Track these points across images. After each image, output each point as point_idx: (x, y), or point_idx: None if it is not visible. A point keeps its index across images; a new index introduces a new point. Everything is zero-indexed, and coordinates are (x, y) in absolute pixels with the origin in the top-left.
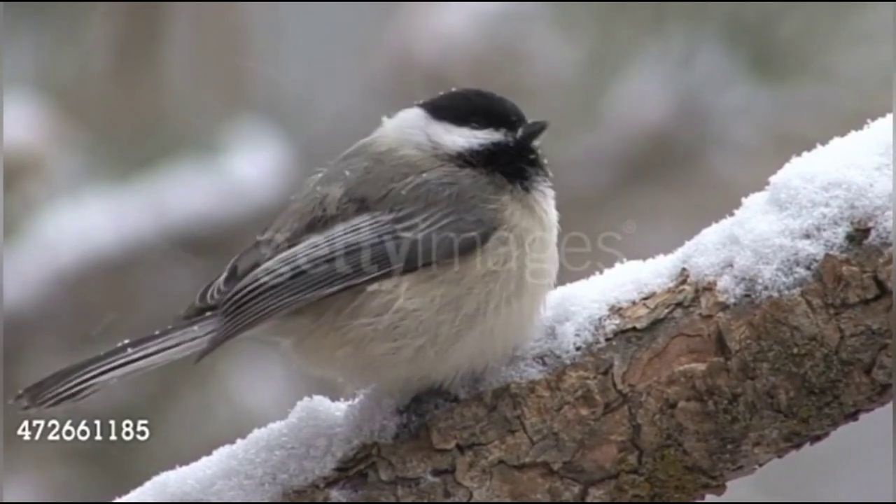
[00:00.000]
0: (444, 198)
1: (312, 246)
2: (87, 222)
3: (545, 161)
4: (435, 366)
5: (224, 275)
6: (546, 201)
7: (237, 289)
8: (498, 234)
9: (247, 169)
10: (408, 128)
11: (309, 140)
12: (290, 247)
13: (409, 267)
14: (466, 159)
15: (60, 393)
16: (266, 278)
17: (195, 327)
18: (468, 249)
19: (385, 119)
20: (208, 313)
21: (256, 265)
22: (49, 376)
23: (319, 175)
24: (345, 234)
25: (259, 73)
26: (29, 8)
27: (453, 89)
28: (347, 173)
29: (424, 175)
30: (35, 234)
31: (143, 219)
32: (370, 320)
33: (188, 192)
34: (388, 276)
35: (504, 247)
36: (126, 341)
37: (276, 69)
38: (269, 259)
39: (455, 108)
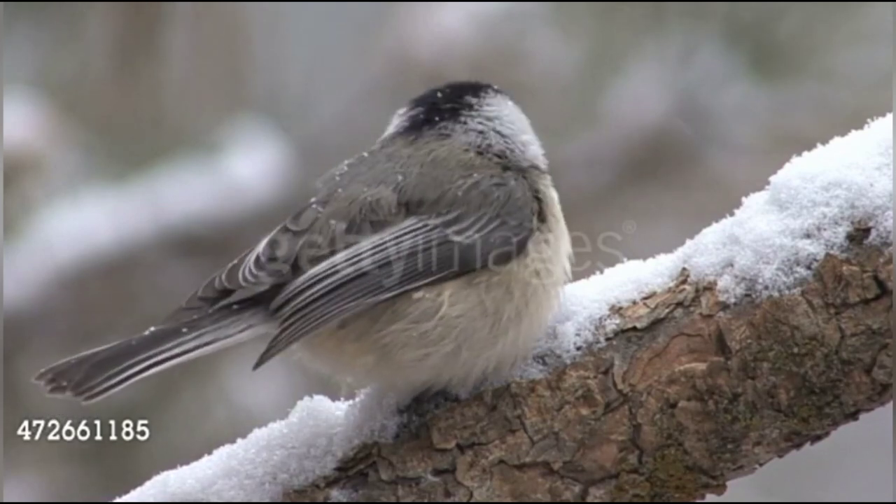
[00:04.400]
0: (494, 199)
1: (371, 249)
2: (85, 222)
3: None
4: (460, 371)
5: (253, 257)
6: (556, 199)
7: (295, 290)
8: (535, 237)
9: (245, 168)
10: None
11: (308, 140)
12: (334, 251)
13: (456, 272)
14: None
15: (106, 383)
16: (327, 282)
17: (227, 322)
18: (512, 254)
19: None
20: (233, 302)
21: (297, 255)
22: (74, 362)
23: (345, 167)
24: (402, 237)
25: (258, 73)
26: (28, 7)
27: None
28: (400, 178)
29: (476, 176)
30: (34, 233)
31: (142, 218)
32: (405, 326)
33: (187, 192)
34: (433, 283)
35: (539, 250)
36: (154, 330)
37: (276, 69)
38: (321, 260)
39: None
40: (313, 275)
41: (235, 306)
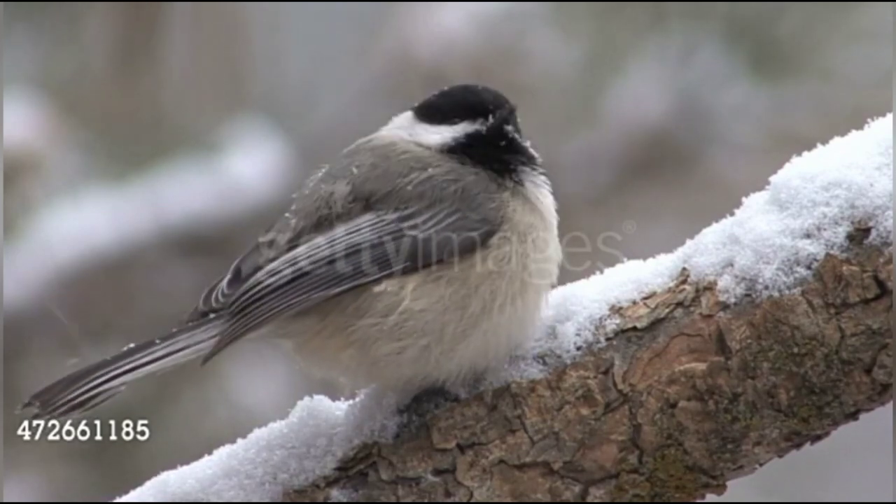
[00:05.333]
0: (449, 194)
1: (317, 246)
2: (85, 222)
3: (527, 145)
4: (439, 365)
5: (227, 277)
6: (540, 191)
7: (242, 290)
8: (501, 233)
9: (245, 168)
10: (396, 129)
11: (308, 139)
12: (293, 247)
13: (415, 266)
14: (466, 156)
15: (71, 400)
16: (271, 280)
17: (200, 330)
18: (472, 248)
19: (383, 126)
20: (212, 316)
21: (259, 268)
22: (57, 382)
23: (320, 174)
24: (350, 233)
25: (258, 73)
26: (28, 7)
27: (445, 88)
28: (354, 170)
29: (430, 171)
30: (34, 233)
31: (142, 218)
32: (375, 320)
33: (187, 192)
34: (393, 276)
35: (508, 245)
36: (131, 345)
37: (276, 69)
38: (274, 260)
39: (438, 106)
40: (265, 272)
41: (210, 315)
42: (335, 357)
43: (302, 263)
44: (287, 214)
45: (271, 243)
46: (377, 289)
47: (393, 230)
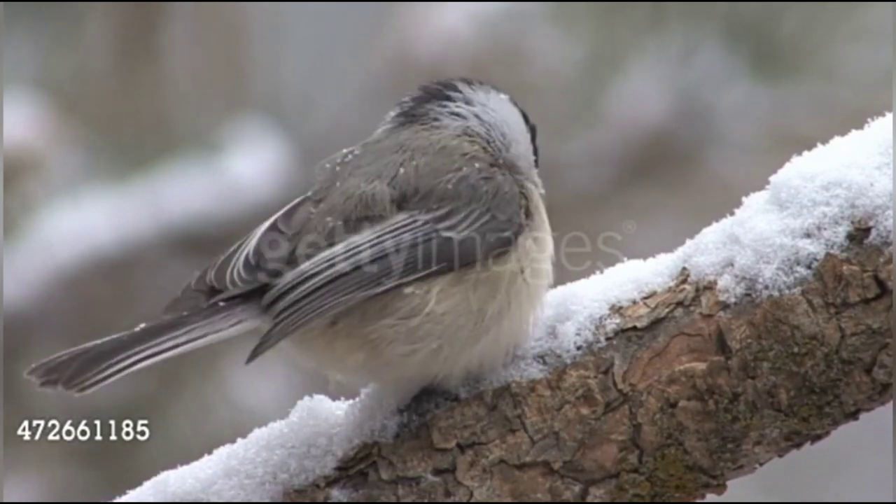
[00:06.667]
0: (483, 193)
1: (365, 244)
2: (86, 221)
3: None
4: (443, 368)
5: (242, 258)
6: (540, 196)
7: (288, 284)
8: (524, 235)
9: (246, 168)
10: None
11: (308, 139)
12: (331, 245)
13: (450, 268)
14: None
15: (102, 378)
16: (320, 277)
17: (220, 317)
18: (501, 251)
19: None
20: (222, 302)
21: (290, 262)
22: (71, 358)
23: (348, 165)
24: (392, 232)
25: (258, 73)
26: (29, 7)
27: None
28: (401, 170)
29: (465, 170)
30: (34, 233)
31: (143, 218)
32: (394, 322)
33: (187, 191)
34: (423, 278)
35: (527, 247)
36: (144, 326)
37: (276, 69)
38: (310, 257)
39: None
40: (307, 269)
41: (224, 303)
42: (341, 357)
43: (352, 260)
44: (310, 206)
45: (294, 236)
46: (407, 290)
47: (428, 230)
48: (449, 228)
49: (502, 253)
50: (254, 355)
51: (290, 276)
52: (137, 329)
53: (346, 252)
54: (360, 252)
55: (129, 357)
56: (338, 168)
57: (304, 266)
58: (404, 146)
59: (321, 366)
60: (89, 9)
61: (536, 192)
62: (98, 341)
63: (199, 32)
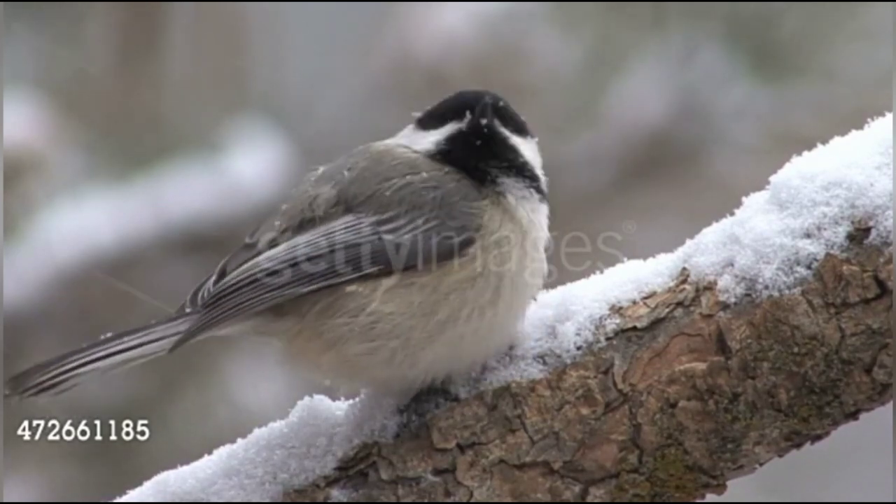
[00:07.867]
0: (428, 201)
1: (293, 245)
2: (86, 221)
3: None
4: (406, 369)
5: (214, 277)
6: (523, 205)
7: (219, 286)
8: (478, 241)
9: (246, 168)
10: (400, 136)
11: (309, 139)
12: (273, 246)
13: (389, 270)
14: (452, 162)
15: (41, 383)
16: (244, 276)
17: (175, 323)
18: (447, 255)
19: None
20: (188, 311)
21: (242, 263)
22: (33, 366)
23: (313, 177)
24: (327, 234)
25: (258, 73)
26: (29, 7)
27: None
28: (345, 173)
29: (409, 177)
30: (35, 233)
31: (143, 217)
32: (346, 320)
33: (188, 191)
34: (367, 278)
35: (483, 254)
36: (108, 334)
37: (276, 69)
38: (257, 258)
39: (432, 111)
40: (240, 270)
41: (190, 309)
42: (316, 359)
43: (279, 260)
44: (274, 215)
45: (255, 244)
46: (349, 289)
47: (370, 233)
48: (391, 231)
49: (448, 257)
50: (175, 347)
51: (226, 279)
52: (100, 337)
53: (285, 251)
54: (293, 251)
55: (79, 360)
56: (304, 178)
57: (242, 267)
58: (355, 153)
59: (310, 372)
60: (89, 9)
61: (517, 203)
62: (62, 352)
63: (199, 32)
